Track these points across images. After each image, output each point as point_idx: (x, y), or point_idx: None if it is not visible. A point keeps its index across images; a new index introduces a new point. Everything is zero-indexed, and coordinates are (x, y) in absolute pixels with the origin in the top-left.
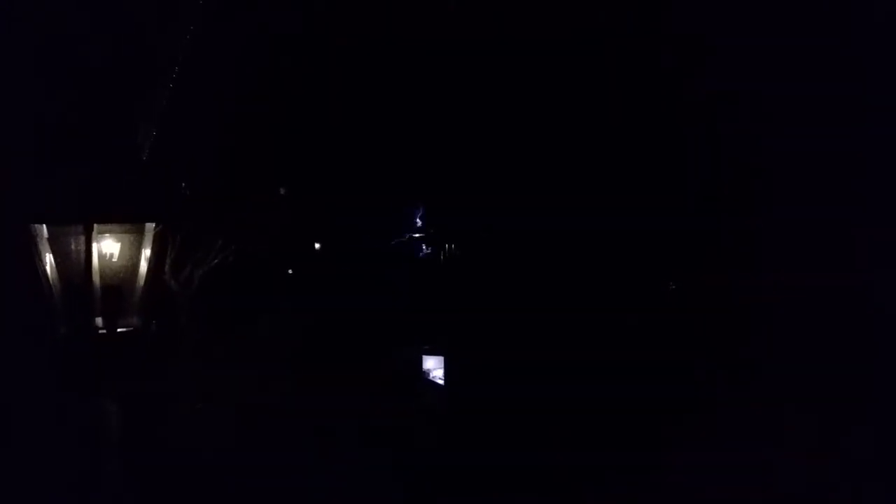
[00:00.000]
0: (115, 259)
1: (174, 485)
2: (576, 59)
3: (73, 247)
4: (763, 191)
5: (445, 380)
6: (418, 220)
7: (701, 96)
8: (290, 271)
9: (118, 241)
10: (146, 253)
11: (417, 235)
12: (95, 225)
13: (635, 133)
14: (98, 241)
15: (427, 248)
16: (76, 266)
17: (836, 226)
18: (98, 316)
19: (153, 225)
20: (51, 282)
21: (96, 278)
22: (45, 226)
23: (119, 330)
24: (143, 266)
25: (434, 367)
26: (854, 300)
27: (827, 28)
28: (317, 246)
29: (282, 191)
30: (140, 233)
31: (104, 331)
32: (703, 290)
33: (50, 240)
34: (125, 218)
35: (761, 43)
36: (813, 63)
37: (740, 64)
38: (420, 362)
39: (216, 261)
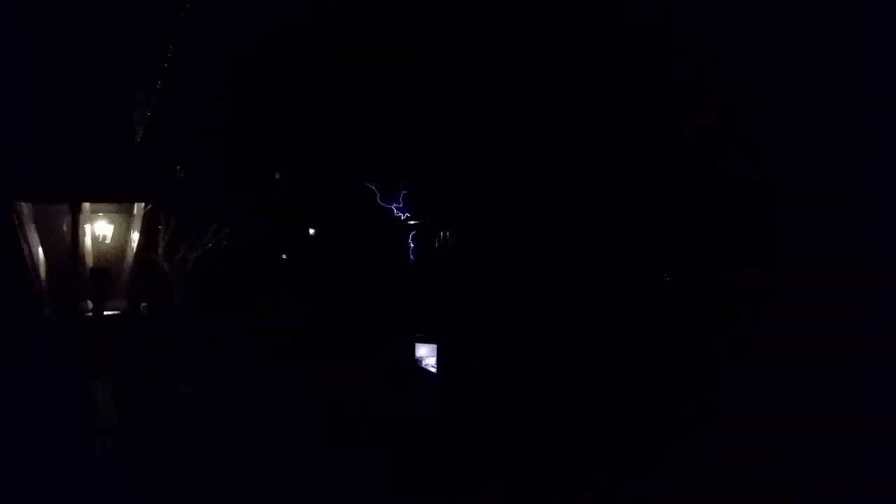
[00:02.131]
0: (107, 241)
1: (166, 475)
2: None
3: (64, 228)
4: (762, 190)
5: (438, 368)
6: (410, 211)
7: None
8: (283, 256)
9: (111, 222)
10: (135, 234)
11: (413, 223)
12: (88, 205)
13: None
14: (92, 222)
15: (422, 237)
16: (64, 247)
17: (837, 225)
18: (86, 298)
19: (142, 205)
20: (36, 263)
21: (89, 259)
22: (31, 204)
23: (107, 313)
24: (132, 248)
25: (427, 354)
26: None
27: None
28: (311, 231)
29: (277, 175)
30: (129, 213)
31: (91, 313)
32: (698, 285)
33: (36, 219)
34: (110, 197)
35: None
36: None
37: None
38: (413, 352)
39: (210, 244)
